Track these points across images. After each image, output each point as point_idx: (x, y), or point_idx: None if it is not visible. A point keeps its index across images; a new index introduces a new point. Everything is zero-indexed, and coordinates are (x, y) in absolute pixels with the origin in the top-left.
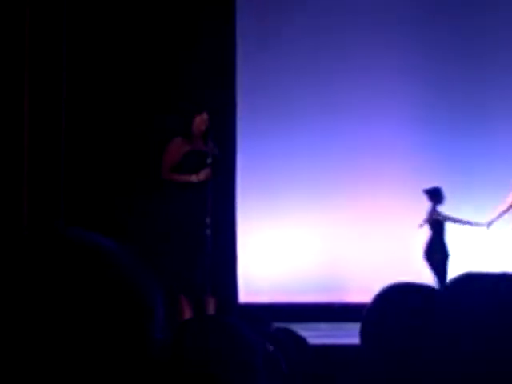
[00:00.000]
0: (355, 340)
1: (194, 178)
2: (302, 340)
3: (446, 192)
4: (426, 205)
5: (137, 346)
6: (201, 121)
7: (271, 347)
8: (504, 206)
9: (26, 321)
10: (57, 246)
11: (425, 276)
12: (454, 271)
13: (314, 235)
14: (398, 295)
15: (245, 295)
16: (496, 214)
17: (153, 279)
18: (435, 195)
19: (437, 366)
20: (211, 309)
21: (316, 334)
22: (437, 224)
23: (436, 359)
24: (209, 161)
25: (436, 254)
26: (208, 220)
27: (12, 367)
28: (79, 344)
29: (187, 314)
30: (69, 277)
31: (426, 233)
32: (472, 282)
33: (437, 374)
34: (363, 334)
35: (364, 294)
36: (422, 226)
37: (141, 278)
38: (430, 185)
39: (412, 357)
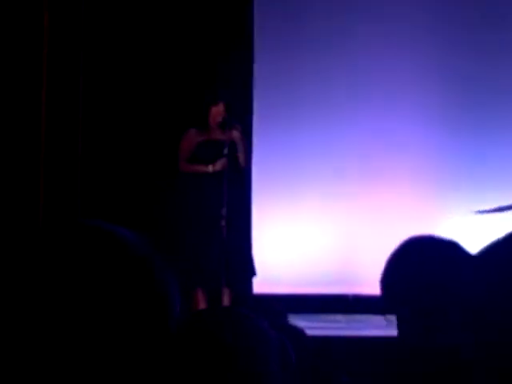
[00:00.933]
0: (373, 332)
1: (209, 169)
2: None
3: (464, 189)
4: (438, 200)
5: (152, 334)
6: (217, 112)
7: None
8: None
9: (46, 307)
10: (76, 235)
11: None
12: None
13: (329, 227)
14: (418, 248)
15: (259, 286)
16: (494, 207)
17: (169, 269)
18: None
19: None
20: (226, 300)
21: (336, 326)
22: None
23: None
24: (225, 151)
25: None
26: (223, 211)
27: (39, 347)
28: (92, 333)
29: (202, 305)
30: (86, 265)
31: None
32: None
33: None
34: (383, 293)
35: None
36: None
37: (158, 268)
38: (444, 181)
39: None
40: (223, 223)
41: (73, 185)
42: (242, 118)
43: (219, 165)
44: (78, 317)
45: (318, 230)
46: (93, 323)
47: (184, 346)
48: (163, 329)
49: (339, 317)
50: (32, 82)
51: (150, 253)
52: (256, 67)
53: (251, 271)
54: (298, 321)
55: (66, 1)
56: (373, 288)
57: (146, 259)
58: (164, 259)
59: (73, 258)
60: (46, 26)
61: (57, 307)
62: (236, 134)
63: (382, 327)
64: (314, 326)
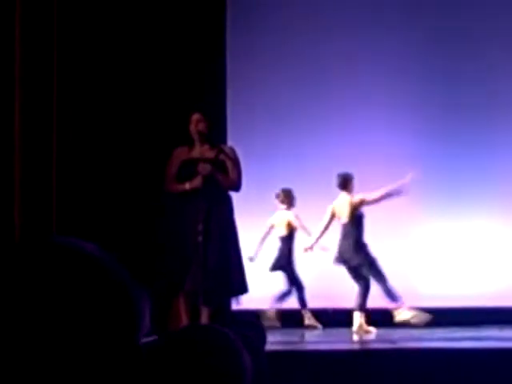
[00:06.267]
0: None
1: (187, 186)
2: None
3: (451, 201)
4: (418, 213)
5: (119, 347)
6: (193, 128)
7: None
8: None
9: (16, 323)
10: (43, 251)
11: (411, 278)
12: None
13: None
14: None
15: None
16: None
17: (138, 285)
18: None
19: None
20: (205, 316)
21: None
22: (358, 218)
23: None
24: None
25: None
26: (200, 227)
27: (5, 367)
28: (63, 347)
29: (184, 322)
30: (54, 281)
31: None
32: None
33: None
34: None
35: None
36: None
37: (126, 284)
38: (431, 197)
39: None
40: (200, 239)
41: (48, 202)
42: (215, 135)
43: (196, 182)
44: (43, 331)
45: (297, 246)
46: (58, 336)
47: (154, 362)
48: (130, 342)
49: (320, 331)
50: (5, 97)
51: (116, 266)
52: (229, 79)
53: (230, 289)
54: (277, 336)
55: (38, 10)
56: (348, 302)
57: (111, 272)
58: (132, 275)
59: (37, 274)
60: (18, 36)
61: (23, 322)
62: (207, 150)
63: (357, 341)
64: (290, 341)
